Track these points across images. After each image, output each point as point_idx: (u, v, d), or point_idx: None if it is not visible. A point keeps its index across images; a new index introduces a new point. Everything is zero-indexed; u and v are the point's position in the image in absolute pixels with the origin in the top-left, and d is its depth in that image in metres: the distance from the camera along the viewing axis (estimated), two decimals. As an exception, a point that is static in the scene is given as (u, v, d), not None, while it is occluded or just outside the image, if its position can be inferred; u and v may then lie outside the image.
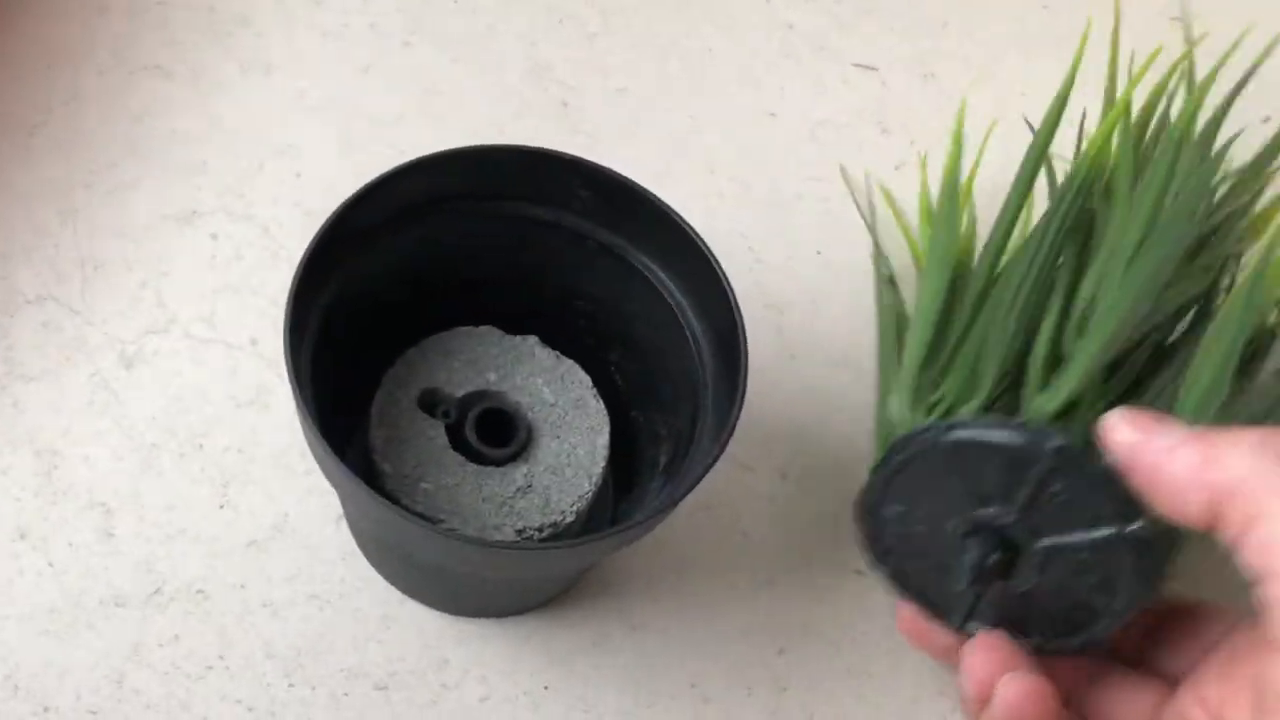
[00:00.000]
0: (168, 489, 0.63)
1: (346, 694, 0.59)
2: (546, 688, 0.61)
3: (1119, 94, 0.63)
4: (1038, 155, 0.61)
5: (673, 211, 0.55)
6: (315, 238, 0.52)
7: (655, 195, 0.56)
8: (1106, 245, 0.56)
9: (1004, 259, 0.58)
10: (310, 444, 0.52)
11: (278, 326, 0.66)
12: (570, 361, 0.61)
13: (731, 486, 0.66)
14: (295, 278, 0.52)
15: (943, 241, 0.59)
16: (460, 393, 0.59)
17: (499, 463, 0.58)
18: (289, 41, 0.75)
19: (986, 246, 0.59)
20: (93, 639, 0.59)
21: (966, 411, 0.53)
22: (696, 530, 0.64)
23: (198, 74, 0.73)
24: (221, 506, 0.62)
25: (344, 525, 0.62)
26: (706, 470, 0.51)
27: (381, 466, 0.57)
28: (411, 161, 0.54)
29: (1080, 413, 0.52)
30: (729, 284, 0.54)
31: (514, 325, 0.61)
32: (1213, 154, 0.60)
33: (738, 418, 0.52)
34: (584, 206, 0.57)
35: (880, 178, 0.74)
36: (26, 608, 0.59)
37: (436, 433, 0.58)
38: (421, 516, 0.55)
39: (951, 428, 0.52)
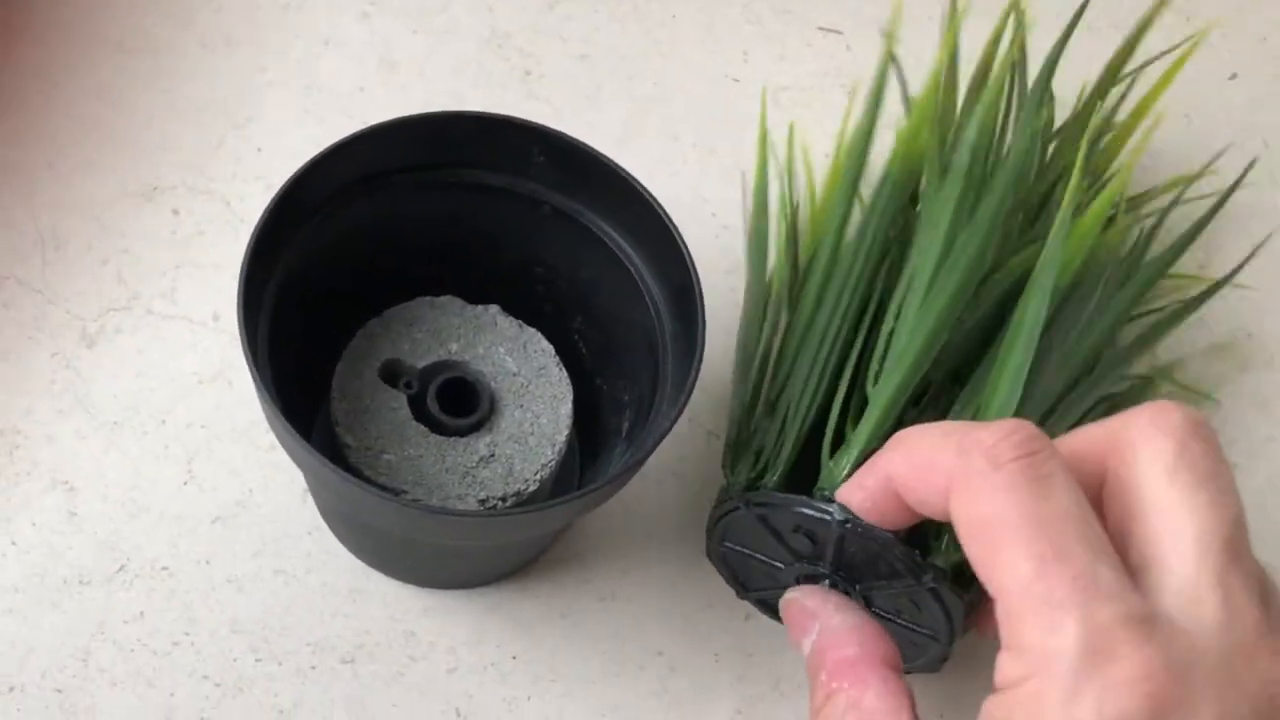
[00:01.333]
0: (131, 467, 0.63)
1: (314, 667, 0.60)
2: (514, 658, 0.61)
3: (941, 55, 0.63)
4: (860, 147, 0.62)
5: (626, 173, 0.56)
6: (267, 210, 0.53)
7: (609, 158, 0.56)
8: (906, 272, 0.58)
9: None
10: (269, 420, 0.52)
11: (240, 302, 0.66)
12: (533, 330, 0.61)
13: (699, 454, 0.66)
14: (247, 251, 0.52)
15: (754, 275, 0.62)
16: (422, 363, 0.59)
17: (462, 433, 0.58)
18: (249, 16, 0.75)
19: (803, 272, 0.61)
20: (57, 618, 0.60)
21: (771, 479, 0.56)
22: (664, 498, 0.65)
23: (158, 49, 0.73)
24: (185, 483, 0.63)
25: (309, 500, 0.63)
26: (665, 434, 0.52)
27: (344, 439, 0.57)
28: (361, 130, 0.55)
29: None
30: (685, 245, 0.55)
31: (475, 295, 0.61)
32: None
33: (695, 380, 0.52)
34: (539, 172, 0.58)
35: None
36: (-10, 588, 0.60)
37: (399, 404, 0.58)
38: (384, 489, 0.56)
39: (751, 503, 0.55)
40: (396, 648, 0.61)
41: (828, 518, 0.52)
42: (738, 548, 0.58)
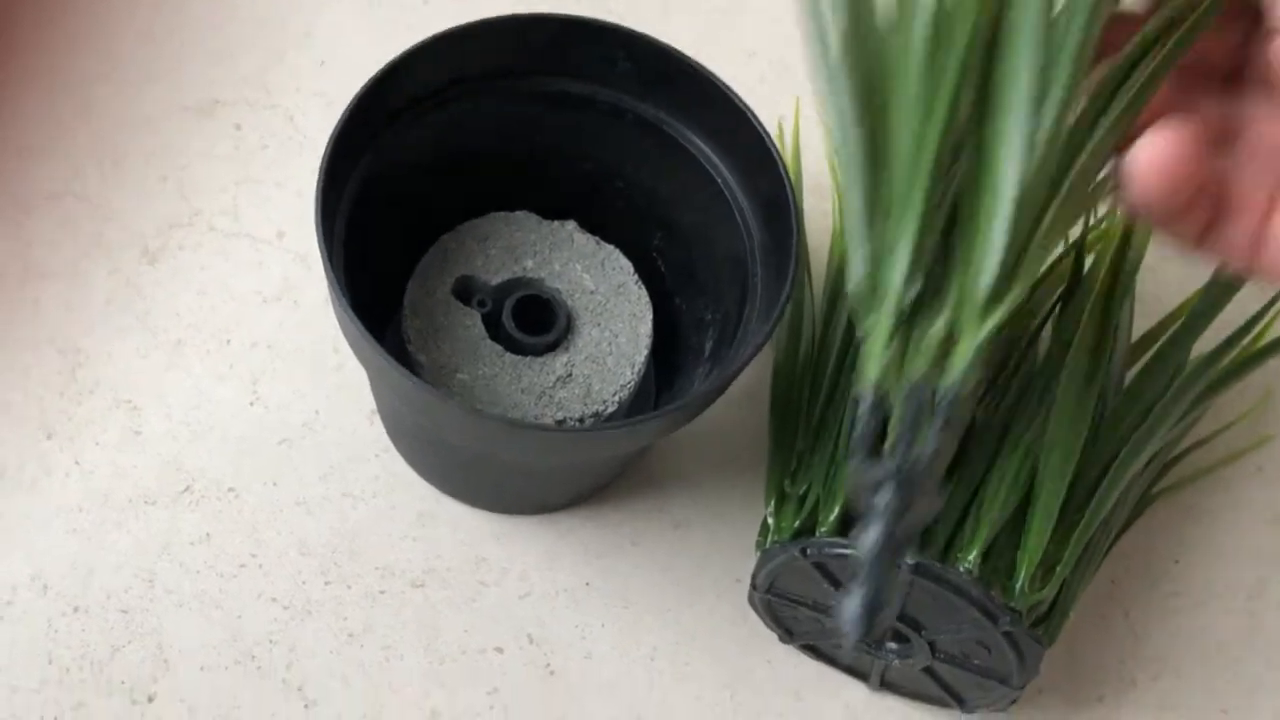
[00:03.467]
0: (194, 386, 0.63)
1: (383, 591, 0.60)
2: (587, 584, 0.61)
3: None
4: None
5: (717, 78, 0.55)
6: (343, 117, 0.52)
7: (699, 63, 0.55)
8: None
9: None
10: (343, 326, 0.52)
11: (304, 219, 0.66)
12: (610, 247, 0.60)
13: (775, 379, 0.66)
14: (324, 158, 0.51)
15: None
16: (496, 280, 0.59)
17: (538, 352, 0.58)
18: (309, -74, 0.74)
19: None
20: (122, 538, 0.60)
21: (825, 523, 0.55)
22: (740, 424, 0.64)
23: (215, -39, 0.73)
24: (251, 404, 0.63)
25: (377, 421, 0.62)
26: (758, 349, 0.51)
27: (417, 357, 0.57)
28: (438, 34, 0.54)
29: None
30: (779, 155, 0.54)
31: (552, 210, 0.61)
32: None
33: (790, 296, 0.52)
34: (623, 79, 0.57)
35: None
36: (54, 507, 0.60)
37: (473, 322, 0.58)
38: None
39: (807, 550, 0.54)
40: (467, 572, 0.60)
41: (899, 563, 0.51)
42: (787, 595, 0.57)
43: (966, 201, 0.45)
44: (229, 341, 0.64)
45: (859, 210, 0.44)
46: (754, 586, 0.58)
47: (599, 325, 0.59)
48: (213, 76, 0.69)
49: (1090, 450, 0.56)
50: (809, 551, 0.54)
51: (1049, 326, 0.60)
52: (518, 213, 0.60)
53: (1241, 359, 0.61)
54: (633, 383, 0.58)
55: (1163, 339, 0.60)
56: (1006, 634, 0.53)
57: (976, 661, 0.55)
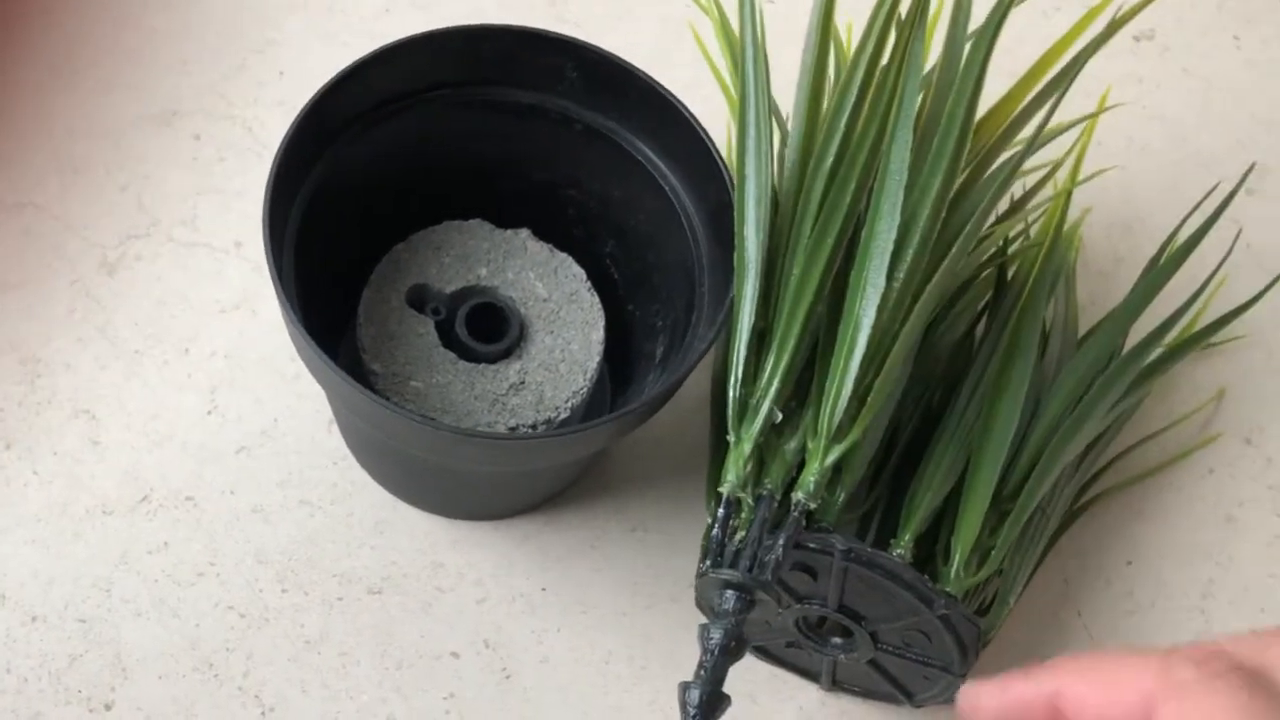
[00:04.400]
0: (153, 396, 0.63)
1: (340, 598, 0.60)
2: (544, 590, 0.62)
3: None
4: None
5: (664, 89, 0.56)
6: (293, 126, 0.53)
7: (646, 73, 0.56)
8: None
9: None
10: (295, 341, 0.53)
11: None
12: (564, 255, 0.61)
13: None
14: (273, 167, 0.52)
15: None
16: (450, 289, 0.60)
17: (491, 360, 0.59)
18: (269, -64, 0.75)
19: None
20: (80, 548, 0.60)
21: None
22: (694, 428, 0.65)
23: (175, -29, 0.73)
24: (209, 412, 0.63)
25: (335, 430, 0.63)
26: (703, 354, 0.52)
27: (371, 366, 0.57)
28: (390, 44, 0.55)
29: (871, 494, 0.57)
30: (725, 164, 0.55)
31: (505, 219, 0.61)
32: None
33: (732, 301, 0.53)
34: (572, 89, 0.58)
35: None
36: (12, 517, 0.60)
37: (426, 330, 0.59)
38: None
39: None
40: (424, 579, 0.61)
41: (830, 548, 0.52)
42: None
43: (825, 344, 0.53)
44: (188, 351, 0.64)
45: (745, 341, 0.52)
46: (698, 591, 0.58)
47: (552, 333, 0.59)
48: (172, 86, 0.70)
49: (1026, 435, 0.57)
50: None
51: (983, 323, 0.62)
52: (471, 221, 0.61)
53: (1177, 343, 0.62)
54: (585, 389, 0.59)
55: (1096, 329, 0.61)
56: (943, 617, 0.53)
57: (918, 650, 0.56)
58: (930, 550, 0.55)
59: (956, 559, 0.54)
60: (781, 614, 0.56)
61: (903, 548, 0.54)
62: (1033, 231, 0.66)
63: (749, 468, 0.53)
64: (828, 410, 0.51)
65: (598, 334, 0.60)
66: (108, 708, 0.58)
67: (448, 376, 0.58)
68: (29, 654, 0.58)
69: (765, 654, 0.60)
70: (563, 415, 0.58)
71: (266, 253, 0.51)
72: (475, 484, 0.60)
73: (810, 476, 0.52)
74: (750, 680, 0.61)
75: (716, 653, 0.50)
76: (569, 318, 0.60)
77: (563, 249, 0.62)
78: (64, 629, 0.59)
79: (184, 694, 0.58)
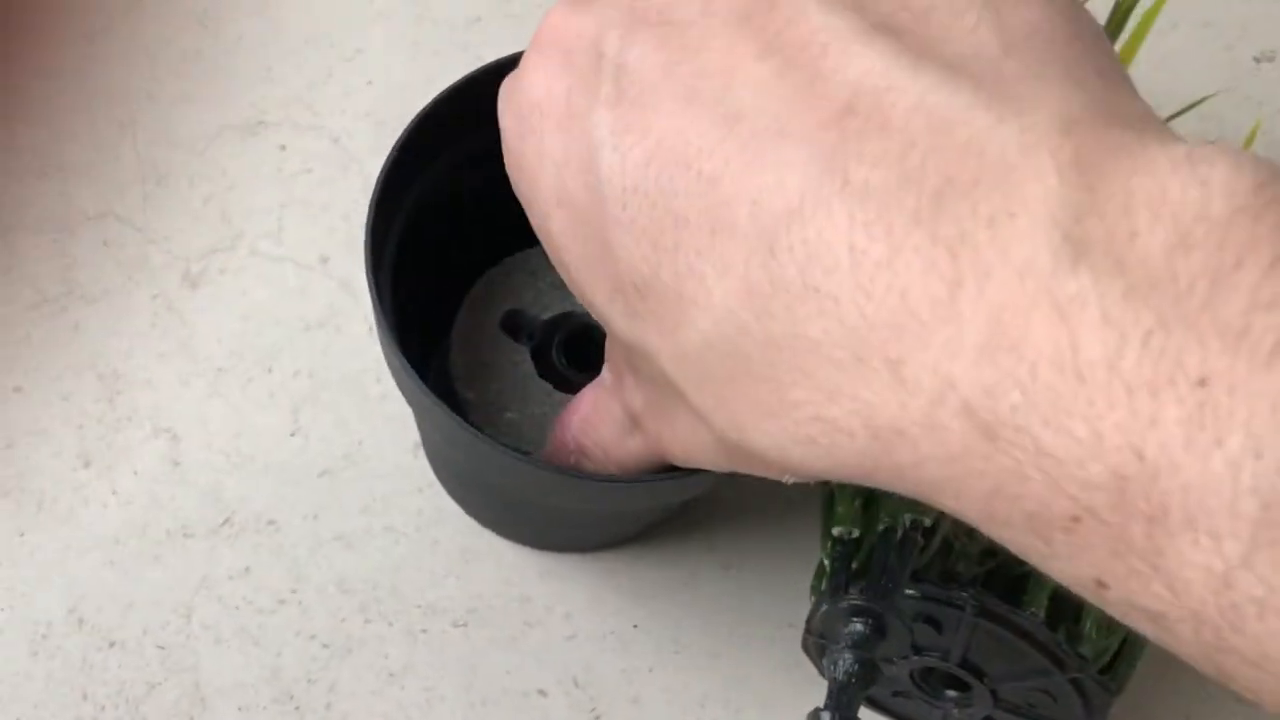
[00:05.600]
0: (235, 415, 0.62)
1: (425, 630, 0.59)
2: (635, 626, 0.60)
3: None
4: None
5: None
6: (392, 153, 0.51)
7: None
8: None
9: None
10: (389, 360, 0.51)
11: (349, 243, 0.65)
12: None
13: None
14: (381, 174, 0.50)
15: None
16: (546, 315, 0.58)
17: None
18: (358, -58, 0.74)
19: None
20: (159, 571, 0.59)
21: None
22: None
23: (262, -23, 0.72)
24: (292, 434, 0.62)
25: (421, 454, 0.61)
26: None
27: (464, 395, 0.56)
28: (504, 58, 0.53)
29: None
30: None
31: None
32: None
33: None
34: None
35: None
36: (90, 538, 0.59)
37: (521, 359, 0.57)
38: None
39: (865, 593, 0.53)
40: (511, 612, 0.60)
41: (961, 604, 0.50)
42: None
43: None
44: (270, 369, 0.63)
45: None
46: (808, 631, 0.56)
47: None
48: (258, 96, 0.69)
49: None
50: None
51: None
52: None
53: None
54: None
55: None
56: (1074, 680, 0.51)
57: (1041, 711, 0.54)
58: (1061, 607, 0.53)
59: (1090, 619, 0.52)
60: (898, 664, 0.54)
61: (1036, 605, 0.52)
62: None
63: (857, 503, 0.51)
64: None
65: None
66: (186, 739, 0.56)
67: (543, 408, 0.56)
68: (106, 681, 0.57)
69: (871, 702, 0.58)
70: None
71: (367, 268, 0.49)
72: (568, 518, 0.58)
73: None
74: (850, 727, 0.59)
75: (849, 680, 0.50)
76: None
77: None
78: (142, 655, 0.57)
79: (264, 727, 0.57)
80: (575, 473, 0.53)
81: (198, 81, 0.69)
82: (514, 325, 0.58)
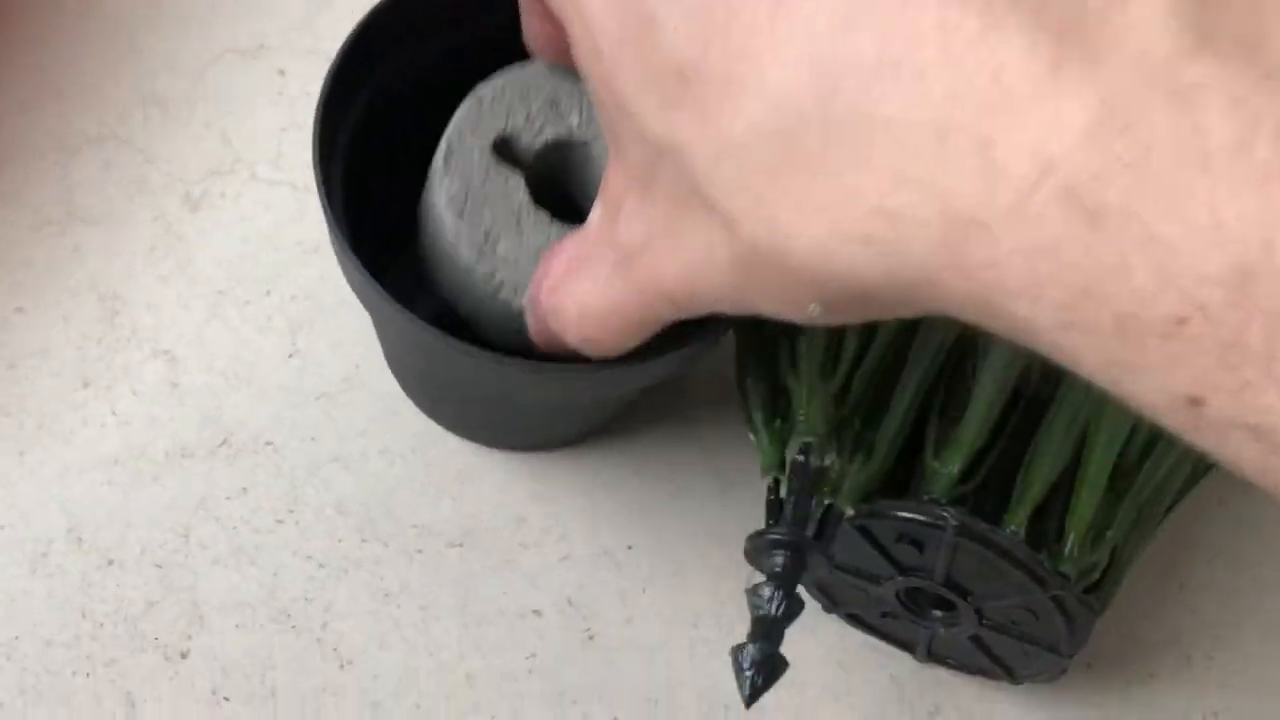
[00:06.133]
0: (234, 337, 0.61)
1: (420, 551, 0.58)
2: (630, 547, 0.59)
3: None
4: None
5: None
6: (348, 39, 0.50)
7: None
8: None
9: None
10: (342, 264, 0.50)
11: (348, 168, 0.64)
12: None
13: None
14: (328, 76, 0.50)
15: None
16: (540, 140, 0.52)
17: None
18: None
19: None
20: (158, 491, 0.58)
21: (856, 482, 0.53)
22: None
23: (263, -99, 0.70)
24: (290, 356, 0.61)
25: (418, 376, 0.60)
26: None
27: (456, 226, 0.51)
28: None
29: (982, 465, 0.52)
30: None
31: None
32: None
33: None
34: None
35: None
36: (90, 459, 0.58)
37: (517, 186, 0.52)
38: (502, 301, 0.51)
39: (850, 513, 0.52)
40: (506, 534, 0.59)
41: (942, 523, 0.50)
42: (823, 570, 0.54)
43: None
44: (269, 293, 0.62)
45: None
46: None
47: None
48: (258, 21, 0.67)
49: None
50: (856, 515, 0.52)
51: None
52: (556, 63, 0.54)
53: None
54: None
55: None
56: (1055, 598, 0.50)
57: (1024, 629, 0.53)
58: (1043, 526, 0.52)
59: (1071, 538, 0.51)
60: (883, 584, 0.53)
61: (1016, 524, 0.51)
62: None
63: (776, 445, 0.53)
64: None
65: None
66: (184, 656, 0.55)
67: (540, 239, 0.51)
68: (105, 599, 0.56)
69: (859, 622, 0.57)
70: None
71: (316, 176, 0.49)
72: (521, 414, 0.57)
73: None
74: (842, 648, 0.58)
75: (771, 613, 0.49)
76: None
77: None
78: (141, 574, 0.57)
79: (261, 644, 0.56)
80: (544, 366, 0.50)
81: (198, 5, 0.67)
82: (507, 152, 0.53)
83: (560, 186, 0.54)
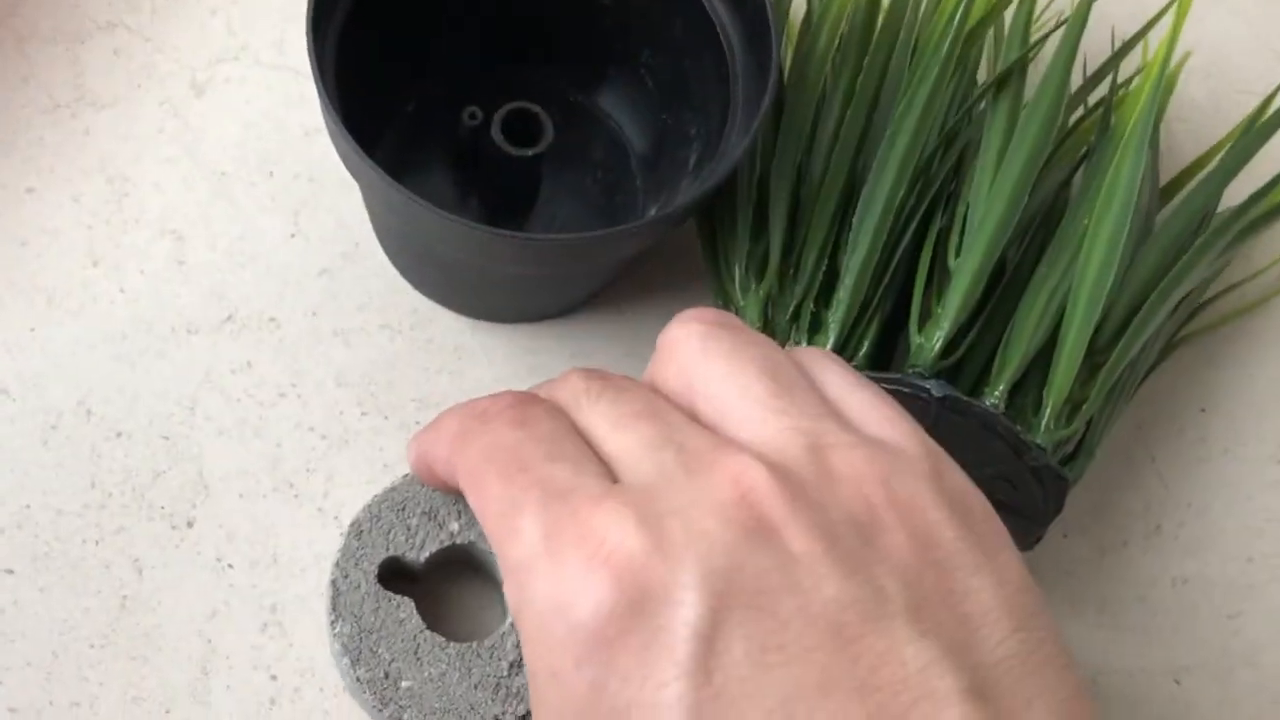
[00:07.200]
0: (239, 217, 0.59)
1: (418, 423, 0.57)
2: (620, 420, 0.57)
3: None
4: None
5: None
6: None
7: None
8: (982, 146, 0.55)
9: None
10: (329, 128, 0.49)
11: (349, 53, 0.62)
12: None
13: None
14: None
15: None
16: (426, 554, 0.51)
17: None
18: None
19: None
20: (165, 366, 0.56)
21: (857, 359, 0.53)
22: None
23: None
24: (293, 235, 0.59)
25: (416, 255, 0.59)
26: (737, 162, 0.49)
27: (354, 672, 0.50)
28: None
29: (964, 340, 0.52)
30: None
31: (549, 30, 0.58)
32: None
33: (768, 108, 0.50)
34: None
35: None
36: (99, 334, 0.57)
37: (408, 614, 0.51)
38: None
39: None
40: (502, 406, 0.57)
41: (925, 395, 0.48)
42: None
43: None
44: (272, 174, 0.60)
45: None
46: None
47: None
48: (263, -92, 0.65)
49: (1118, 292, 0.51)
50: None
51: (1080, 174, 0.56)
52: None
53: (1274, 205, 0.56)
54: None
55: (1191, 185, 0.56)
56: (1032, 469, 0.49)
57: (1001, 498, 0.51)
58: (1021, 400, 0.50)
59: (1048, 411, 0.49)
60: None
61: (996, 397, 0.49)
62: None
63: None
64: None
65: None
66: (189, 524, 0.54)
67: (440, 666, 0.50)
68: (113, 469, 0.55)
69: None
70: None
71: (309, 46, 0.48)
72: (505, 284, 0.56)
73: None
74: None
75: None
76: None
77: (599, 58, 0.58)
78: (149, 445, 0.55)
79: (264, 513, 0.55)
80: (499, 232, 0.49)
81: (204, -105, 0.65)
82: (397, 570, 0.52)
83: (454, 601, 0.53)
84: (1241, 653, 0.56)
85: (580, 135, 0.59)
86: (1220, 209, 0.56)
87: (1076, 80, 0.57)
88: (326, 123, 0.49)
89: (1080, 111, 0.58)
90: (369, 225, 0.59)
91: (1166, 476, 0.58)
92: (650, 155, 0.58)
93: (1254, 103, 0.59)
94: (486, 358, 0.58)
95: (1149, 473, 0.59)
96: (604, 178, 0.59)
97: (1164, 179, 0.59)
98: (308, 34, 0.48)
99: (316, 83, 0.47)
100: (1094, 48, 0.62)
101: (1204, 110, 0.64)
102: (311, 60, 0.48)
